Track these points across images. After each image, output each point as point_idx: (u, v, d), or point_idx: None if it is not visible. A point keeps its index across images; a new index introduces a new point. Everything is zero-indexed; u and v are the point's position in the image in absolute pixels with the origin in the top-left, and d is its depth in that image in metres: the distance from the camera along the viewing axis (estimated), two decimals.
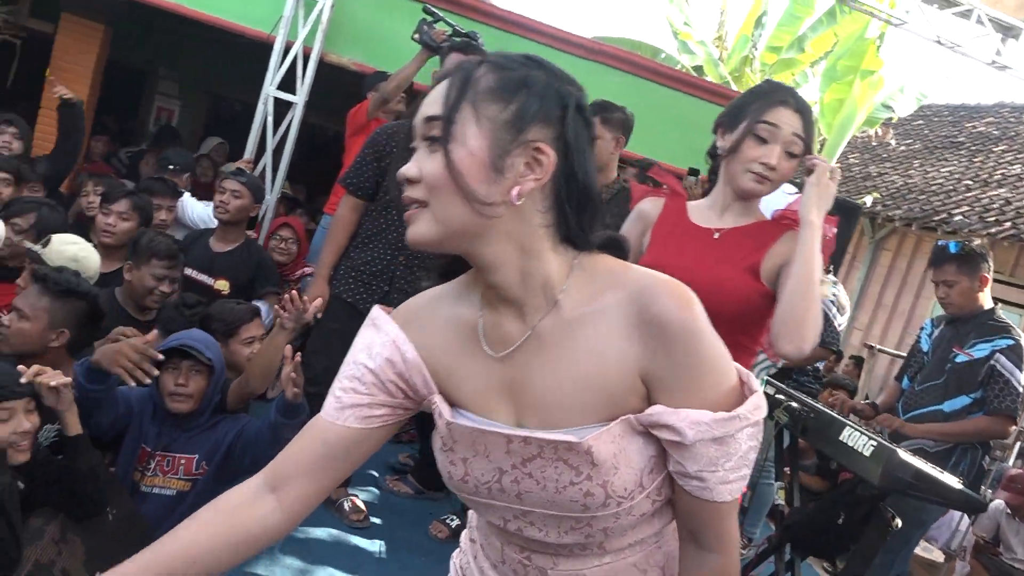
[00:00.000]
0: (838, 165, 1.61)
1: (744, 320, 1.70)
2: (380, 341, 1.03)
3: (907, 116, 11.00)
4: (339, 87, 4.70)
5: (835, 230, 1.74)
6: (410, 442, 4.04)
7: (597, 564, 1.01)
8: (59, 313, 2.13)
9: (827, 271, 3.41)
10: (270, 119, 4.37)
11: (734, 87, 10.54)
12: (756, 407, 0.90)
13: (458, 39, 3.44)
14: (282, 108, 4.40)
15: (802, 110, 1.65)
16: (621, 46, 10.50)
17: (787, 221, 1.73)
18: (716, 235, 1.74)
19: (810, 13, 10.20)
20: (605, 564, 1.01)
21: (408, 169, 0.92)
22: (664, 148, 4.92)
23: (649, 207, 1.90)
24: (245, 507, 1.01)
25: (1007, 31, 5.14)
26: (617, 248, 0.99)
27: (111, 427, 2.13)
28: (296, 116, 4.37)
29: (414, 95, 3.50)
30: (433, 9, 3.81)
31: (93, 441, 1.93)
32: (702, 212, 1.80)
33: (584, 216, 0.94)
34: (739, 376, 0.92)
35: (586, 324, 0.92)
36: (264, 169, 4.30)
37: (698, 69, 10.98)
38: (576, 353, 0.93)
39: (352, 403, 1.04)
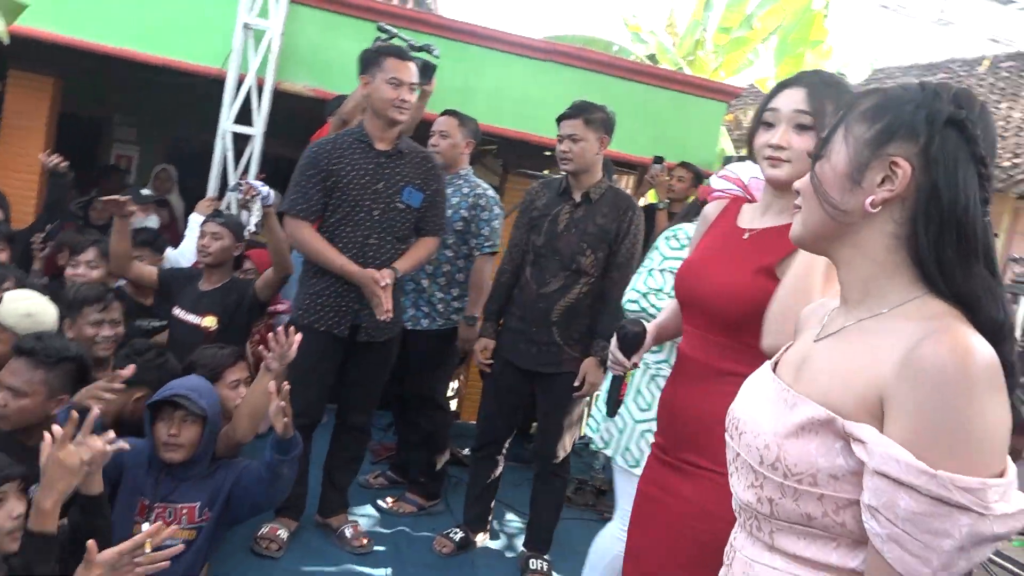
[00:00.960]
0: None
1: (754, 323, 1.60)
2: None
3: (862, 82, 11.12)
4: (298, 114, 4.69)
5: None
6: (380, 461, 4.02)
7: (768, 564, 1.05)
8: (56, 381, 2.16)
9: None
10: (230, 154, 4.34)
11: (688, 71, 10.63)
12: (968, 489, 0.86)
13: (415, 53, 3.44)
14: (242, 142, 4.38)
15: (808, 83, 1.60)
16: (574, 43, 10.53)
17: None
18: (746, 235, 1.71)
19: None
20: (776, 569, 1.04)
21: (796, 184, 1.10)
22: (627, 139, 4.93)
23: (711, 210, 1.86)
24: None
25: None
26: (973, 309, 0.97)
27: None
28: (256, 148, 4.35)
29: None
30: (387, 27, 3.81)
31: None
32: (750, 213, 1.75)
33: (945, 237, 0.95)
34: (993, 472, 0.88)
35: (881, 333, 0.98)
36: (229, 205, 4.28)
37: (652, 58, 11.05)
38: (856, 352, 1.00)
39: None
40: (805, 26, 9.23)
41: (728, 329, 1.67)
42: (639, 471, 2.37)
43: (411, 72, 2.86)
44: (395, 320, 2.96)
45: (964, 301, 0.96)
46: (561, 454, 3.09)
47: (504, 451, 3.27)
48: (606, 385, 2.50)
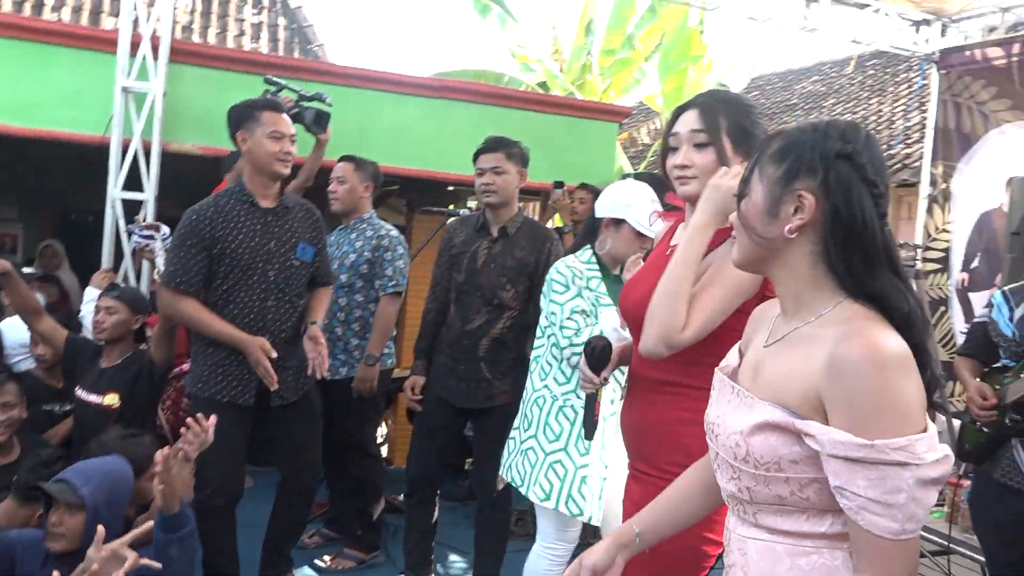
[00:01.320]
0: (740, 167, 1.66)
1: None
2: None
3: (742, 90, 11.65)
4: (190, 174, 4.57)
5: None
6: (314, 519, 3.93)
7: (755, 538, 1.23)
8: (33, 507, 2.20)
9: None
10: (121, 223, 4.19)
11: (579, 96, 10.91)
12: (899, 448, 1.04)
13: (306, 103, 3.42)
14: (134, 208, 4.24)
15: (699, 104, 1.74)
16: (465, 77, 10.70)
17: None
18: (669, 251, 1.79)
19: (634, 12, 10.71)
20: (761, 541, 1.22)
21: (728, 219, 1.30)
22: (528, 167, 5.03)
23: (658, 229, 2.00)
24: None
25: None
26: (884, 306, 1.15)
27: None
28: (149, 214, 4.21)
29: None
30: (274, 79, 3.77)
31: None
32: (680, 230, 1.84)
33: (851, 251, 1.15)
34: (917, 429, 1.06)
35: (813, 339, 1.16)
36: (126, 274, 4.12)
37: (543, 85, 11.31)
38: (794, 357, 1.18)
39: None
40: (684, 43, 9.62)
41: None
42: (550, 503, 2.49)
43: (289, 124, 2.82)
44: (305, 375, 2.86)
45: (875, 300, 1.15)
46: (501, 487, 3.07)
47: (439, 492, 3.23)
48: (580, 407, 2.53)
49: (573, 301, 2.54)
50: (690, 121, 1.72)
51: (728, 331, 1.67)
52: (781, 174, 1.19)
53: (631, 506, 1.79)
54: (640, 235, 2.54)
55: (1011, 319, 2.56)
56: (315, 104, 3.61)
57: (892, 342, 1.09)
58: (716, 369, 1.36)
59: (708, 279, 1.68)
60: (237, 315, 2.73)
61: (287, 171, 2.80)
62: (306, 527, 3.16)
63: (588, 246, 2.68)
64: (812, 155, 1.17)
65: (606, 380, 1.95)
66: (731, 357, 1.40)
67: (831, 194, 1.15)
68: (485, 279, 2.98)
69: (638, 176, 5.16)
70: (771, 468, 1.16)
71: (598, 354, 1.91)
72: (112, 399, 2.93)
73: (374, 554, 3.55)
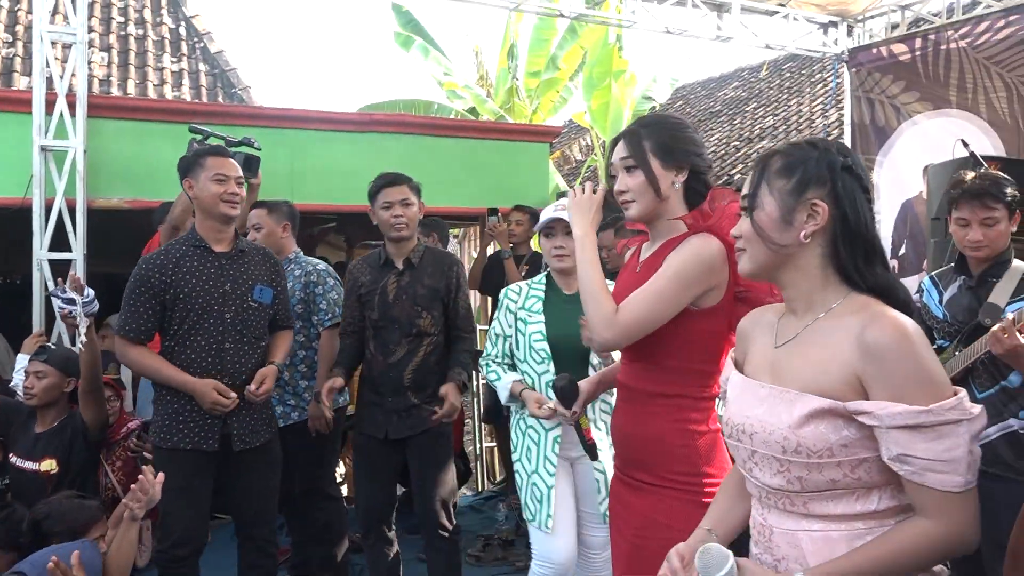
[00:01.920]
0: (590, 185, 1.94)
1: (664, 344, 1.79)
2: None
3: (667, 101, 11.92)
4: (122, 229, 4.48)
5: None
6: (278, 566, 3.83)
7: (807, 529, 1.29)
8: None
9: None
10: (50, 284, 4.07)
11: (509, 119, 11.02)
12: (952, 407, 1.18)
13: (234, 149, 3.38)
14: (62, 268, 4.12)
15: (625, 134, 1.90)
16: (394, 108, 10.72)
17: (690, 233, 1.82)
18: (638, 268, 1.92)
19: (555, 33, 10.87)
20: (815, 532, 1.28)
21: (735, 231, 1.40)
22: (463, 193, 5.06)
23: (627, 255, 2.09)
24: None
25: (719, 7, 5.73)
26: (885, 294, 1.31)
27: None
28: (79, 272, 4.10)
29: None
30: (199, 127, 3.71)
31: None
32: (647, 248, 1.96)
33: (856, 249, 1.31)
34: (952, 392, 1.20)
35: (833, 330, 1.29)
36: (59, 336, 4.00)
37: (472, 111, 11.39)
38: (819, 347, 1.29)
39: None
40: (606, 60, 9.79)
41: (639, 353, 1.85)
42: (535, 523, 2.57)
43: (234, 167, 2.83)
44: (269, 419, 2.89)
45: (879, 292, 1.31)
46: (444, 513, 3.07)
47: (393, 527, 3.21)
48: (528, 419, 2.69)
49: (493, 324, 2.81)
50: (619, 151, 1.89)
51: (715, 336, 1.81)
52: (792, 186, 1.32)
53: (633, 515, 1.88)
54: (549, 236, 2.64)
55: (940, 302, 2.67)
56: (243, 149, 3.57)
57: (910, 321, 1.25)
58: (724, 379, 1.49)
59: (655, 275, 1.77)
60: (195, 359, 2.71)
61: (234, 212, 2.80)
62: None
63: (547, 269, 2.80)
64: (820, 168, 1.32)
65: (577, 413, 2.07)
66: (728, 368, 1.52)
67: (840, 202, 1.31)
68: (399, 311, 3.02)
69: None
70: (823, 455, 1.24)
71: (566, 391, 2.01)
72: (49, 465, 2.84)
73: None
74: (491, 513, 4.44)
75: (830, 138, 8.66)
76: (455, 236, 11.37)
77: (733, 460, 1.49)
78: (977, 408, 1.20)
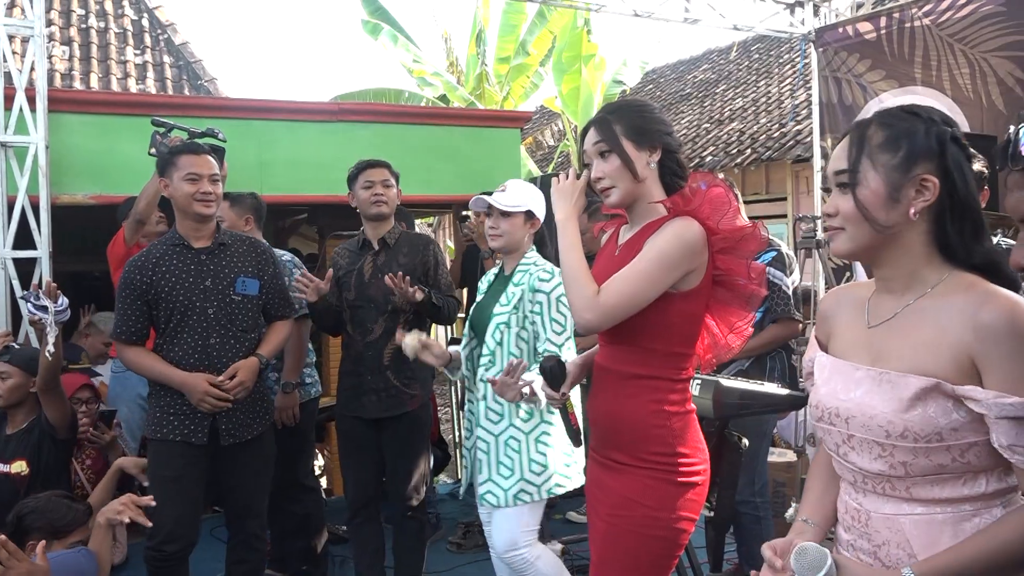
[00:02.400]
0: (573, 171, 1.99)
1: (645, 326, 1.80)
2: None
3: (637, 84, 11.94)
4: (88, 225, 4.41)
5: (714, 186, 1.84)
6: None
7: (909, 513, 1.26)
8: None
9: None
10: (16, 283, 4.00)
11: (479, 105, 10.98)
12: None
13: (198, 140, 3.34)
14: (27, 267, 4.05)
15: (595, 121, 1.91)
16: (365, 97, 10.64)
17: (671, 216, 1.83)
18: (617, 252, 1.93)
19: (524, 18, 10.84)
20: (918, 515, 1.25)
21: (829, 207, 1.32)
22: (434, 181, 5.04)
23: (604, 237, 2.11)
24: None
25: None
26: (994, 272, 1.27)
27: None
28: (44, 270, 4.03)
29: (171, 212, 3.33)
30: (161, 120, 3.65)
31: None
32: (624, 231, 1.98)
33: (965, 224, 1.25)
34: None
35: (939, 309, 1.24)
36: (27, 336, 3.94)
37: (443, 98, 11.33)
38: (926, 326, 1.24)
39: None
40: (576, 44, 9.79)
41: (617, 335, 1.85)
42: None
43: (209, 164, 2.82)
44: (261, 413, 2.90)
45: (984, 268, 1.26)
46: (415, 495, 3.13)
47: (381, 513, 3.22)
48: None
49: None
50: (591, 138, 1.90)
51: (693, 319, 1.83)
52: (899, 161, 1.25)
53: (608, 495, 1.90)
54: (488, 216, 2.64)
55: None
56: (207, 140, 3.51)
57: (1020, 298, 1.21)
58: (808, 359, 1.46)
59: (637, 258, 1.78)
60: (183, 356, 2.73)
61: (209, 210, 2.81)
62: (262, 574, 3.07)
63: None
64: (928, 141, 1.25)
65: (566, 395, 2.05)
66: (812, 349, 1.47)
67: (949, 175, 1.24)
68: (375, 290, 3.07)
69: (544, 177, 5.22)
70: (932, 439, 1.20)
71: (555, 373, 2.00)
72: (20, 467, 2.81)
73: None
74: (471, 500, 4.45)
75: (799, 119, 8.75)
76: (429, 225, 11.34)
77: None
78: None
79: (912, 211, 1.25)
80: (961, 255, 1.27)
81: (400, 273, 2.93)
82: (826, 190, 1.32)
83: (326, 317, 3.17)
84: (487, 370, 2.51)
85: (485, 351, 2.55)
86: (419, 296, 2.96)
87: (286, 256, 3.52)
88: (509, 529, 2.52)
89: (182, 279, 2.75)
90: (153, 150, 3.46)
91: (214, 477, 2.82)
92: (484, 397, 2.53)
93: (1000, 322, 1.17)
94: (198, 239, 2.82)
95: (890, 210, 1.26)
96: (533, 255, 2.64)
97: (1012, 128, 1.17)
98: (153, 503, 2.36)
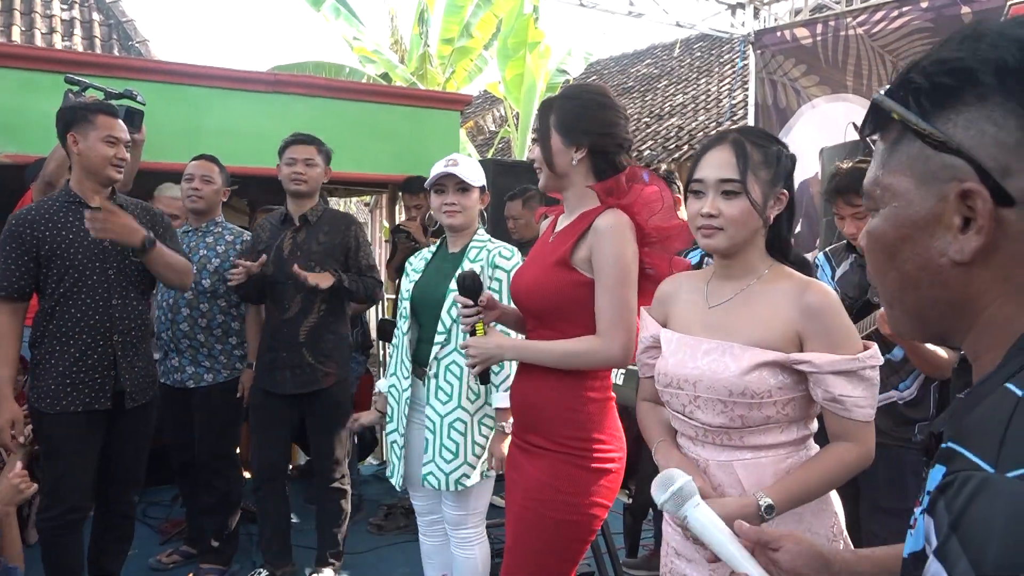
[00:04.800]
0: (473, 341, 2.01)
1: (565, 312, 1.85)
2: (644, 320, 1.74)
3: (580, 75, 11.99)
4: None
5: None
6: (172, 538, 3.77)
7: (740, 459, 1.52)
8: None
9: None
10: None
11: (421, 86, 10.86)
12: (872, 355, 1.45)
13: (115, 102, 3.19)
14: None
15: (541, 104, 1.96)
16: (304, 70, 10.39)
17: (603, 207, 1.86)
18: (551, 238, 1.95)
19: (469, 0, 10.75)
20: (747, 459, 1.51)
21: (711, 208, 1.52)
22: (369, 159, 4.97)
23: (542, 225, 2.13)
24: None
25: None
26: (803, 267, 1.60)
27: None
28: None
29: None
30: (75, 77, 3.47)
31: None
32: (563, 218, 1.99)
33: (792, 229, 1.56)
34: (865, 345, 1.48)
35: (769, 294, 1.53)
36: None
37: (385, 77, 11.16)
38: (760, 307, 1.52)
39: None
40: (521, 30, 9.76)
41: (544, 320, 1.89)
42: (392, 480, 2.63)
43: (124, 129, 2.76)
44: (152, 379, 2.87)
45: (797, 262, 1.59)
46: (337, 470, 3.18)
47: (286, 485, 3.25)
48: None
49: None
50: (534, 121, 1.94)
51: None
52: (771, 177, 1.53)
53: (525, 478, 1.93)
54: (440, 192, 2.58)
55: (833, 278, 2.81)
56: (125, 102, 3.35)
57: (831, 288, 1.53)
58: (650, 335, 1.67)
59: (609, 281, 1.81)
60: (80, 317, 2.64)
61: (120, 176, 2.75)
62: (131, 542, 2.99)
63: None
64: (787, 163, 1.55)
65: (480, 310, 1.98)
66: (652, 327, 1.68)
67: (792, 190, 1.55)
68: (292, 268, 3.02)
69: (482, 162, 5.20)
70: (764, 396, 1.47)
71: (469, 283, 1.96)
72: None
73: (233, 565, 3.43)
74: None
75: (736, 117, 8.93)
76: (366, 204, 11.19)
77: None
78: (882, 357, 1.49)
79: (770, 217, 1.54)
80: (786, 251, 1.59)
81: (296, 267, 2.95)
82: (694, 192, 1.42)
83: (250, 288, 3.14)
84: (442, 348, 2.49)
85: (440, 329, 2.49)
86: (323, 283, 2.96)
87: (247, 234, 3.48)
88: (460, 507, 2.56)
89: (80, 237, 2.64)
90: None
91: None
92: (435, 375, 2.50)
93: (820, 304, 1.47)
94: (95, 199, 2.71)
95: (758, 217, 1.52)
96: (484, 234, 2.63)
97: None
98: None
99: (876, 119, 0.72)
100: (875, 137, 0.75)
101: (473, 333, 1.99)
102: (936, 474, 0.61)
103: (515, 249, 2.58)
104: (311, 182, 3.13)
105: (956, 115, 0.66)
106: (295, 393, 3.10)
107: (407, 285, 2.65)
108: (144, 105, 3.41)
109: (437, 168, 2.54)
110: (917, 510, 0.66)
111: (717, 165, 1.52)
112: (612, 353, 1.80)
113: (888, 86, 0.72)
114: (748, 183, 1.50)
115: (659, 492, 1.25)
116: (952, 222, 0.66)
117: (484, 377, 2.05)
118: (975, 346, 0.71)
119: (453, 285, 2.48)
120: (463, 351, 2.03)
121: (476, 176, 2.57)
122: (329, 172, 3.22)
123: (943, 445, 0.62)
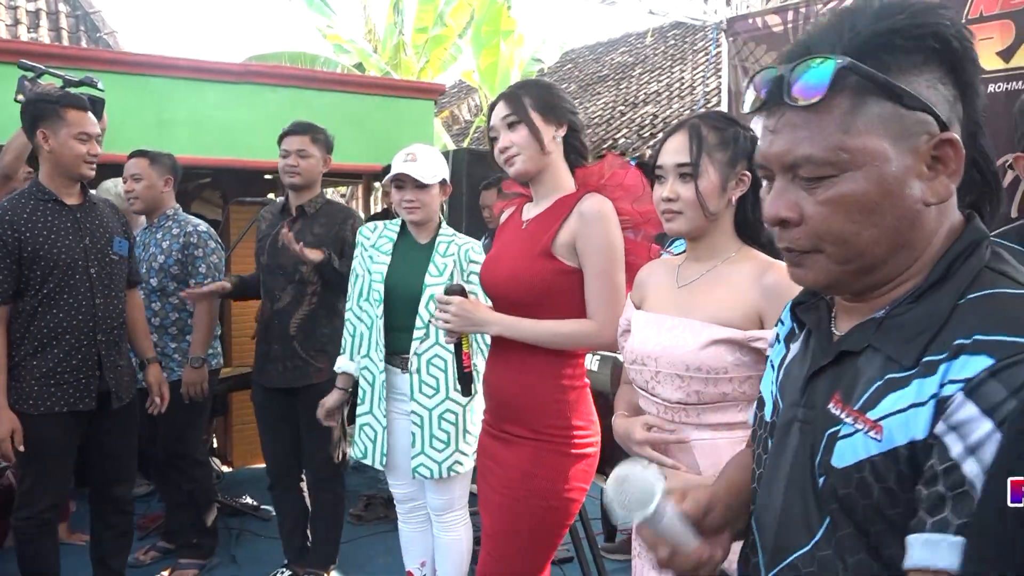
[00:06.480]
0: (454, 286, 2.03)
1: (545, 300, 1.86)
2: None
3: (555, 64, 11.99)
4: None
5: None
6: (149, 534, 3.75)
7: (698, 438, 1.52)
8: None
9: None
10: None
11: (395, 75, 10.80)
12: None
13: (73, 89, 3.10)
14: None
15: (504, 95, 1.95)
16: (279, 60, 10.29)
17: (582, 192, 1.89)
18: (524, 226, 1.95)
19: None
20: (705, 440, 1.52)
21: (670, 193, 1.55)
22: (343, 149, 4.87)
23: (503, 216, 2.13)
24: None
25: None
26: (774, 249, 1.54)
27: None
28: None
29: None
30: (30, 64, 3.36)
31: None
32: (528, 208, 2.00)
33: (758, 211, 1.52)
34: None
35: (732, 274, 1.55)
36: None
37: (359, 66, 11.09)
38: (722, 287, 1.54)
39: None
40: (495, 18, 9.74)
41: (523, 310, 1.89)
42: (368, 460, 2.62)
43: (95, 123, 2.71)
44: (133, 375, 2.87)
45: (764, 246, 1.56)
46: (325, 468, 3.10)
47: (301, 482, 3.20)
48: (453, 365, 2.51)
49: (353, 265, 2.76)
50: (500, 110, 1.93)
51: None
52: (728, 158, 1.54)
53: (504, 468, 1.93)
54: (400, 188, 2.57)
55: None
56: (85, 90, 3.25)
57: None
58: (625, 318, 1.69)
59: (601, 266, 1.84)
60: (64, 318, 2.60)
61: (92, 173, 2.69)
62: (132, 537, 2.99)
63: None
64: (746, 143, 1.54)
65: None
66: (628, 311, 1.70)
67: (755, 171, 1.51)
68: (285, 258, 2.98)
69: (457, 151, 5.18)
70: (720, 372, 1.49)
71: (454, 291, 1.97)
72: None
73: (211, 560, 3.42)
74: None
75: (709, 105, 8.96)
76: (341, 195, 11.12)
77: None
78: None
79: (731, 197, 1.55)
80: (755, 234, 1.59)
81: (289, 234, 2.86)
82: (657, 178, 1.50)
83: (246, 292, 3.17)
84: (421, 343, 2.49)
85: (419, 323, 2.49)
86: (314, 257, 2.87)
87: (203, 226, 3.34)
88: (446, 493, 2.56)
89: (61, 237, 2.61)
90: (20, 96, 3.10)
91: (83, 443, 2.74)
92: (418, 370, 2.49)
93: (779, 284, 1.45)
94: (69, 195, 2.68)
95: (719, 198, 1.54)
96: (448, 228, 2.65)
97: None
98: None
99: (833, 85, 0.77)
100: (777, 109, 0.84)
101: (459, 343, 2.03)
102: (959, 367, 0.71)
103: (480, 243, 2.63)
104: (305, 174, 3.03)
105: (918, 76, 0.78)
106: (286, 387, 3.06)
107: (376, 268, 2.61)
108: (103, 92, 3.32)
109: (396, 161, 2.52)
110: (885, 412, 0.76)
111: (674, 150, 1.55)
112: (606, 335, 1.82)
113: (846, 56, 0.77)
114: (702, 165, 1.52)
115: (631, 512, 0.98)
116: (923, 171, 0.78)
117: (466, 388, 2.09)
118: (908, 271, 0.82)
119: (429, 280, 2.51)
120: (440, 317, 1.96)
121: (434, 172, 2.54)
122: (329, 161, 3.12)
123: (957, 341, 0.72)
